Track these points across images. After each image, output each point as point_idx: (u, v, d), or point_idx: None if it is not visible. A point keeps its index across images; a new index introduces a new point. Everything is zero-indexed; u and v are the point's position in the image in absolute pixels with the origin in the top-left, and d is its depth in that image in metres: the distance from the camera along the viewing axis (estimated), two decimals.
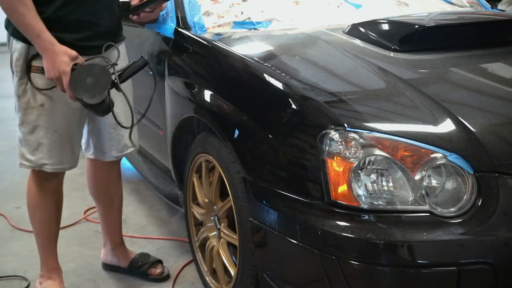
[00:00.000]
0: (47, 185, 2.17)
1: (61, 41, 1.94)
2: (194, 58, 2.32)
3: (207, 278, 2.24)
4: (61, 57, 1.87)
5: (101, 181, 2.38)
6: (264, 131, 1.76)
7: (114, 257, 2.49)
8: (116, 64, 1.93)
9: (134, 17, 2.29)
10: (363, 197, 1.54)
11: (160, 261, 2.48)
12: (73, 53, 1.89)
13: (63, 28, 1.96)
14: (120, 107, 2.03)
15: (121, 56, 2.13)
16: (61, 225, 2.92)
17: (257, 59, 2.01)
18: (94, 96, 1.85)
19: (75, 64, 1.88)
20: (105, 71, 1.88)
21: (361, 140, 1.56)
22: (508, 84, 1.86)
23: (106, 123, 2.14)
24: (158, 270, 2.43)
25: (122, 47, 2.20)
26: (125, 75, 1.96)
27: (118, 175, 2.39)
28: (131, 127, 2.00)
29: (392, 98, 1.73)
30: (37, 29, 1.87)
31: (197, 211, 2.29)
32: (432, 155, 1.54)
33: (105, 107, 1.90)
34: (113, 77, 1.89)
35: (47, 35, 1.88)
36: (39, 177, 2.15)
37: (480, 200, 1.52)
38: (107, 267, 2.52)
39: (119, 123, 1.98)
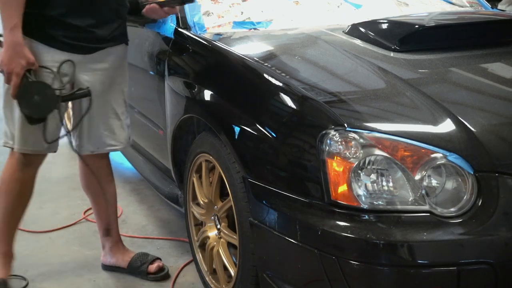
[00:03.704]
0: (20, 174, 2.21)
1: (48, 35, 2.03)
2: (194, 58, 2.33)
3: (207, 278, 2.24)
4: (20, 59, 1.96)
5: (90, 175, 2.39)
6: (264, 131, 1.76)
7: (113, 257, 2.49)
8: (63, 89, 2.05)
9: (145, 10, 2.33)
10: (363, 197, 1.54)
11: (158, 259, 2.48)
12: (32, 59, 1.99)
13: (51, 24, 2.03)
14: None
15: (119, 61, 2.23)
16: (61, 225, 2.95)
17: (257, 59, 2.01)
18: (31, 116, 2.01)
19: (28, 70, 1.98)
20: (54, 98, 2.02)
21: (361, 140, 1.56)
22: (508, 84, 1.86)
23: (87, 117, 2.19)
24: (155, 264, 2.42)
25: (121, 49, 2.23)
26: (67, 99, 2.09)
27: (107, 171, 2.39)
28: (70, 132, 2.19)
29: (392, 98, 1.73)
30: (14, 23, 1.95)
31: (197, 211, 2.29)
32: (432, 155, 1.54)
33: (35, 121, 2.04)
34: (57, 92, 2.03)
35: (19, 34, 1.96)
36: (13, 165, 2.20)
37: (480, 200, 1.52)
38: (107, 268, 2.52)
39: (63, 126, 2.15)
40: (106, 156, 2.36)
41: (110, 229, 2.48)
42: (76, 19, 2.05)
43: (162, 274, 2.42)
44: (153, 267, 2.43)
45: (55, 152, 2.22)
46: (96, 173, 2.37)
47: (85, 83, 2.12)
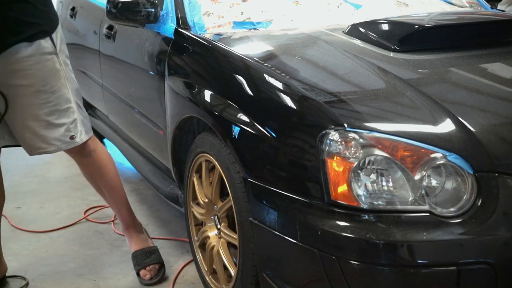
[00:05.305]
0: None
1: None
2: (194, 58, 2.33)
3: (207, 278, 2.24)
4: None
5: (81, 170, 2.45)
6: (264, 131, 1.76)
7: (127, 237, 2.58)
8: None
9: None
10: (363, 197, 1.54)
11: (157, 263, 2.47)
12: None
13: None
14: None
15: (23, 62, 2.07)
16: (61, 225, 2.95)
17: (257, 59, 2.01)
18: None
19: None
20: None
21: (361, 140, 1.56)
22: (508, 84, 1.86)
23: (7, 122, 2.17)
24: (147, 275, 2.42)
25: (25, 49, 2.06)
26: None
27: (95, 165, 2.39)
28: None
29: (392, 98, 1.73)
30: None
31: (197, 211, 2.29)
32: (432, 155, 1.54)
33: None
34: None
35: None
36: None
37: (480, 200, 1.52)
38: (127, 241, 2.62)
39: None
40: (82, 154, 2.32)
41: (117, 215, 2.56)
42: None
43: (149, 282, 2.42)
44: (143, 273, 2.43)
45: (19, 145, 2.21)
46: (84, 169, 2.42)
47: None
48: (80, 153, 2.31)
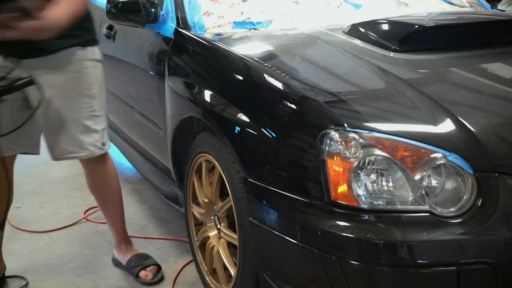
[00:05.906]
0: None
1: None
2: (194, 58, 2.33)
3: (207, 278, 2.24)
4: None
5: (89, 178, 2.43)
6: (264, 131, 1.76)
7: (118, 253, 2.54)
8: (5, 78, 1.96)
9: None
10: (363, 197, 1.54)
11: (155, 265, 2.47)
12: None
13: None
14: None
15: (74, 65, 2.08)
16: (61, 225, 2.95)
17: (257, 59, 2.01)
18: None
19: None
20: None
21: (361, 140, 1.56)
22: (508, 84, 1.86)
23: (43, 124, 2.16)
24: (149, 275, 2.43)
25: (76, 54, 2.11)
26: (7, 91, 1.97)
27: (106, 174, 2.39)
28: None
29: (392, 98, 1.73)
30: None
31: (197, 211, 2.29)
32: (432, 155, 1.54)
33: None
34: None
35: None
36: None
37: (480, 200, 1.52)
38: (113, 261, 2.57)
39: None
40: (98, 161, 2.31)
41: (114, 227, 2.52)
42: None
43: (151, 281, 2.42)
44: (144, 274, 2.43)
45: (34, 153, 2.22)
46: (94, 176, 2.39)
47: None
48: (99, 160, 2.32)
